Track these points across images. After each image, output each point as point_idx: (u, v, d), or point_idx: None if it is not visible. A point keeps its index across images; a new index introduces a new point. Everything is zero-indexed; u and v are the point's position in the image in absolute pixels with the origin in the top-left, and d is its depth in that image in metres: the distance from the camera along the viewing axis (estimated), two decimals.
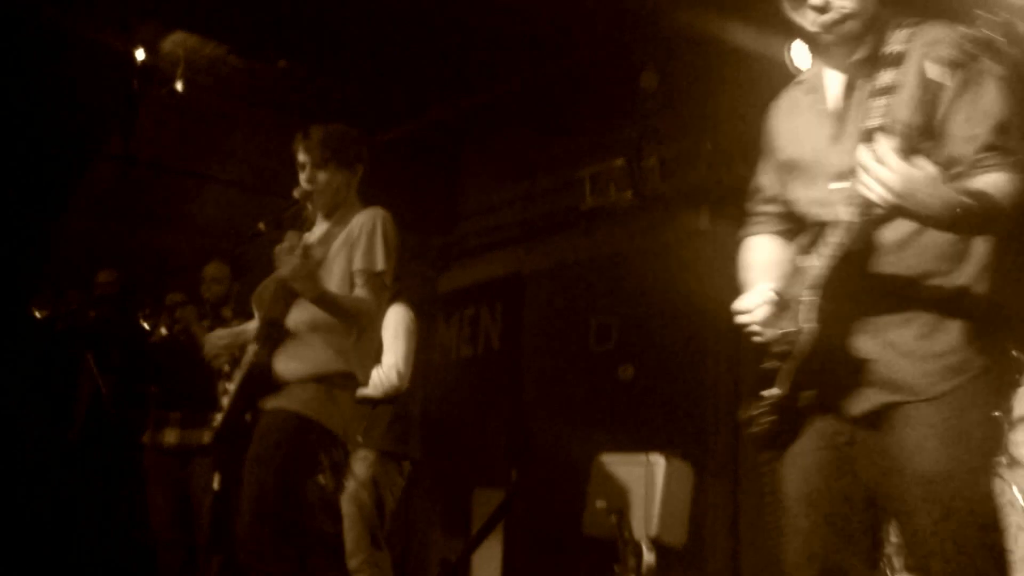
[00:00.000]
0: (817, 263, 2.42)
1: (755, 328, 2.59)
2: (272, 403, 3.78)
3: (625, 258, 8.30)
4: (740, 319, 2.63)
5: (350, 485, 5.19)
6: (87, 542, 6.33)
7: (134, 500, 5.67)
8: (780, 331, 2.50)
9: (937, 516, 2.31)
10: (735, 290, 7.72)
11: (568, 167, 8.29)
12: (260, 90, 7.74)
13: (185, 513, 5.72)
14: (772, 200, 2.84)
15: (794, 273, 2.54)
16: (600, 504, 6.59)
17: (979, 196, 2.23)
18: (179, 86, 7.11)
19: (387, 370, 5.24)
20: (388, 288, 4.02)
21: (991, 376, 2.40)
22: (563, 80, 7.64)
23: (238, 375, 3.94)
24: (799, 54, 6.38)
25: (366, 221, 3.91)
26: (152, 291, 5.60)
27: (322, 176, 3.96)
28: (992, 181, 2.29)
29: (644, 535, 6.45)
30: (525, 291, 9.09)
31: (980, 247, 2.43)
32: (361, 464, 5.22)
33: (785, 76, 6.32)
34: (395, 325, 5.37)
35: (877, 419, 2.42)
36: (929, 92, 2.33)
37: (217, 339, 4.15)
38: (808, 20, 2.52)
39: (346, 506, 5.18)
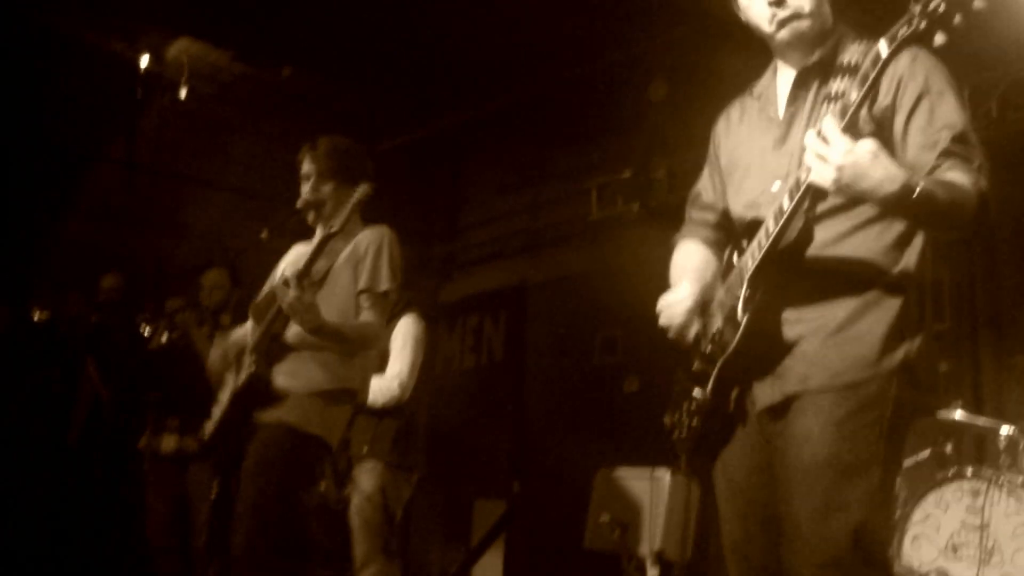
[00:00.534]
0: (750, 258, 2.41)
1: (672, 327, 2.61)
2: (270, 416, 3.78)
3: (631, 270, 8.23)
4: (660, 320, 2.65)
5: (358, 497, 5.18)
6: (85, 546, 6.35)
7: (132, 505, 5.65)
8: (710, 332, 2.51)
9: (811, 513, 2.28)
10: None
11: (575, 178, 8.31)
12: (263, 98, 7.81)
13: (182, 519, 5.70)
14: (708, 207, 2.84)
15: (728, 274, 2.53)
16: (603, 518, 6.53)
17: (935, 182, 2.22)
18: (182, 93, 7.22)
19: (389, 380, 5.23)
20: (394, 305, 4.03)
21: (903, 378, 2.35)
22: (570, 91, 7.67)
23: (232, 385, 3.94)
24: None
25: (372, 240, 3.93)
26: (153, 297, 5.62)
27: (326, 188, 3.98)
28: (954, 176, 2.27)
29: (648, 550, 6.40)
30: (529, 302, 9.10)
31: (911, 254, 2.41)
32: (369, 475, 5.20)
33: None
34: (404, 335, 5.35)
35: (782, 411, 2.39)
36: (883, 101, 2.35)
37: (219, 360, 4.14)
38: (764, 17, 2.53)
39: (355, 518, 5.17)
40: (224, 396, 3.96)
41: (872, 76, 2.17)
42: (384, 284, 3.87)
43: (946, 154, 2.31)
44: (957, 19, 2.04)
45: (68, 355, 6.01)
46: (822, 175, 2.16)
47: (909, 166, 2.29)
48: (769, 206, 2.41)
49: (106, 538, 6.21)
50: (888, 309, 2.36)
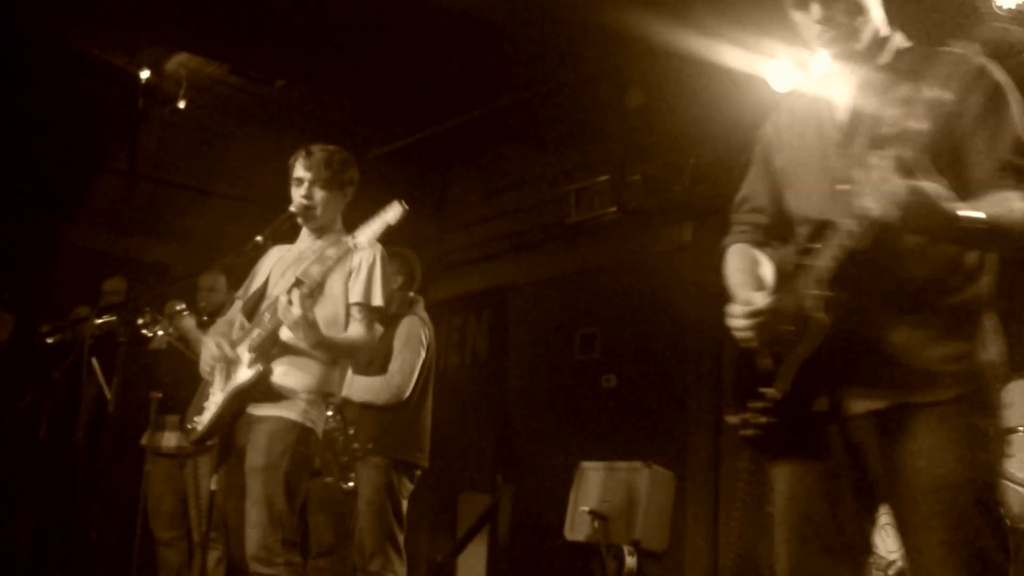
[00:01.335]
0: (824, 259, 2.35)
1: (747, 333, 2.52)
2: (268, 411, 3.90)
3: (609, 271, 8.42)
4: (732, 324, 2.55)
5: (366, 491, 5.28)
6: (90, 540, 6.45)
7: (135, 500, 5.71)
8: (780, 330, 2.45)
9: (944, 522, 2.28)
10: (716, 302, 7.82)
11: (554, 183, 8.43)
12: (258, 109, 7.90)
13: (183, 513, 5.87)
14: (758, 210, 2.81)
15: (795, 273, 2.48)
16: (583, 509, 6.71)
17: (992, 214, 2.22)
18: (181, 105, 7.27)
19: (389, 377, 5.34)
20: (383, 318, 4.18)
21: (996, 385, 2.38)
22: (549, 98, 7.75)
23: (224, 380, 4.01)
24: (777, 74, 6.58)
25: (366, 256, 4.03)
26: (153, 301, 5.68)
27: (320, 194, 4.08)
28: (1006, 198, 2.27)
29: (626, 540, 6.57)
30: (511, 302, 9.22)
31: (992, 260, 2.43)
32: (375, 470, 5.29)
33: (765, 95, 6.59)
34: (406, 336, 5.47)
35: (888, 420, 2.36)
36: (940, 111, 2.25)
37: (210, 358, 4.17)
38: (813, 35, 2.55)
39: (364, 512, 5.27)
40: (216, 390, 4.02)
41: (940, 116, 2.21)
42: (377, 300, 4.00)
43: (1004, 168, 2.32)
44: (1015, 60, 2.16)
45: (73, 357, 6.07)
46: (877, 208, 2.16)
47: (971, 178, 2.33)
48: (836, 208, 2.37)
49: (110, 531, 6.33)
50: (975, 315, 2.39)
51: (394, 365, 5.36)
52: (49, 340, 5.41)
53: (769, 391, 2.42)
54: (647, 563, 6.63)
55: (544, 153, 8.73)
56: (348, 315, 4.02)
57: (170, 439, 5.87)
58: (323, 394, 3.99)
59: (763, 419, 2.44)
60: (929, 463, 2.29)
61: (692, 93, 7.39)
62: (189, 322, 5.63)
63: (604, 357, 8.33)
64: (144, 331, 5.64)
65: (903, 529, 2.36)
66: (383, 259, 4.08)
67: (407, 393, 5.38)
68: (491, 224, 9.23)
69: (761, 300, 2.50)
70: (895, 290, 2.38)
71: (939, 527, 2.28)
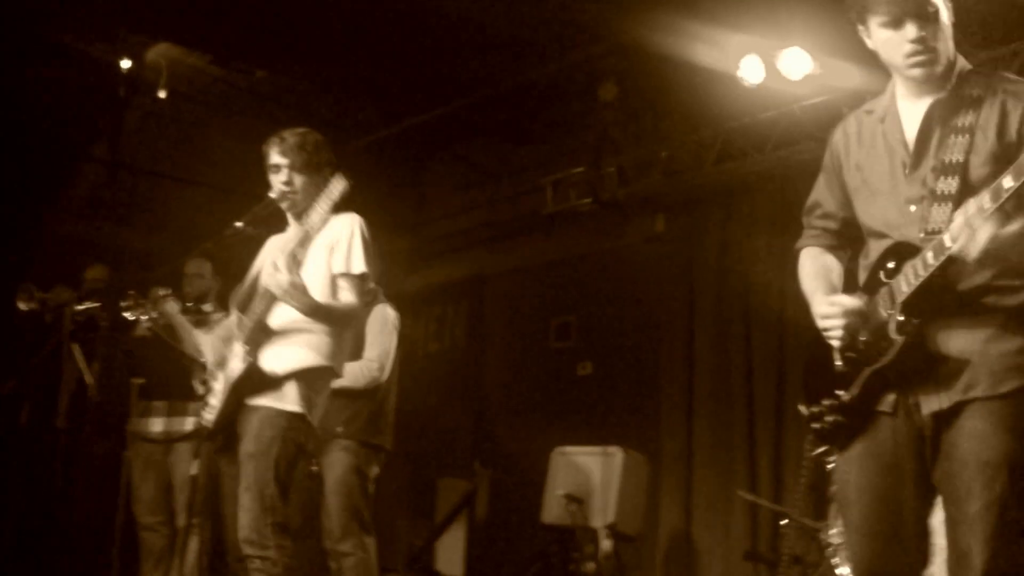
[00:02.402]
0: (904, 284, 2.53)
1: (836, 333, 2.68)
2: (260, 400, 3.93)
3: (584, 260, 8.51)
4: (823, 323, 2.71)
5: (334, 474, 5.31)
6: (71, 526, 6.47)
7: (116, 486, 5.74)
8: (856, 339, 2.63)
9: (988, 501, 2.43)
10: (688, 291, 7.95)
11: (530, 174, 8.49)
12: (238, 99, 7.90)
13: (167, 498, 5.89)
14: (830, 216, 2.93)
15: (872, 286, 2.65)
16: (558, 493, 6.78)
17: None
18: (162, 94, 7.25)
19: (368, 363, 5.34)
20: (370, 288, 4.17)
21: None
22: (526, 91, 7.80)
23: (226, 374, 4.05)
24: (750, 69, 6.71)
25: (344, 226, 4.06)
26: (136, 287, 5.68)
27: (299, 179, 4.10)
28: None
29: (601, 524, 6.66)
30: (488, 291, 9.29)
31: None
32: (344, 454, 5.32)
33: (737, 90, 6.71)
34: (380, 322, 5.48)
35: (950, 416, 2.52)
36: (1009, 135, 2.46)
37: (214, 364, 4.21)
38: (900, 54, 2.61)
39: (333, 495, 5.29)
40: (218, 385, 4.08)
41: (999, 141, 2.45)
42: (359, 267, 4.01)
43: None
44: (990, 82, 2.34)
45: (54, 343, 6.06)
46: (968, 251, 2.35)
47: None
48: (902, 227, 2.59)
49: (92, 517, 6.34)
50: None
51: (372, 351, 5.39)
52: (22, 307, 5.37)
53: (842, 394, 2.63)
54: (622, 546, 6.73)
55: (520, 145, 8.80)
56: (335, 287, 4.03)
57: (156, 424, 5.88)
58: (315, 372, 3.99)
59: (833, 417, 2.66)
60: (978, 445, 2.47)
61: (665, 87, 7.49)
62: (174, 307, 5.59)
63: (579, 345, 8.42)
64: (127, 316, 5.61)
65: (948, 503, 2.54)
66: (362, 227, 4.09)
67: (386, 377, 5.43)
68: (468, 215, 9.28)
69: (851, 303, 2.66)
70: (958, 301, 2.54)
71: (978, 499, 2.45)
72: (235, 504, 3.91)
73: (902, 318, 2.53)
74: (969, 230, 2.34)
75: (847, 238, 2.92)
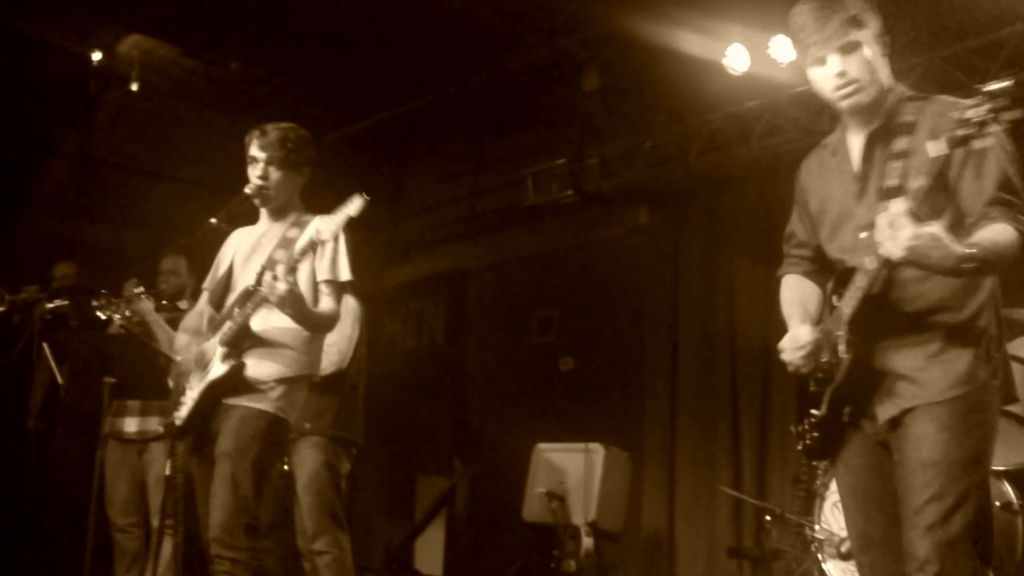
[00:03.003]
0: (847, 305, 2.76)
1: (792, 366, 2.93)
2: (240, 400, 3.89)
3: (566, 254, 8.48)
4: (783, 357, 2.95)
5: (305, 471, 5.30)
6: (44, 528, 6.41)
7: (89, 486, 5.73)
8: (819, 362, 2.86)
9: (928, 497, 2.64)
10: (672, 284, 7.92)
11: (511, 166, 8.45)
12: (213, 91, 7.82)
13: (141, 499, 5.77)
14: (803, 245, 3.15)
15: (829, 311, 2.89)
16: (540, 491, 6.78)
17: (983, 246, 2.56)
18: (134, 87, 7.18)
19: (327, 348, 5.10)
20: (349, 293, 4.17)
21: (992, 388, 2.75)
22: (507, 82, 7.78)
23: (201, 373, 4.01)
24: (736, 57, 6.64)
25: (327, 231, 3.90)
26: (108, 285, 5.61)
27: (275, 174, 4.03)
28: (997, 230, 2.60)
29: (583, 521, 6.67)
30: (469, 285, 9.28)
31: (986, 284, 2.77)
32: (314, 450, 5.31)
33: (722, 79, 6.67)
34: (342, 309, 5.48)
35: (899, 422, 2.75)
36: (935, 163, 2.62)
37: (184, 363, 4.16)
38: (829, 88, 2.84)
39: (305, 492, 5.28)
40: (194, 383, 4.03)
41: (934, 172, 2.57)
42: (344, 274, 3.98)
43: (992, 202, 2.64)
44: (994, 128, 2.46)
45: (24, 342, 5.99)
46: (892, 252, 2.53)
47: (962, 211, 2.68)
48: (855, 252, 2.79)
49: (64, 518, 6.29)
50: (973, 334, 2.73)
51: (332, 336, 5.32)
52: None
53: (815, 412, 2.90)
54: (603, 543, 6.73)
55: (501, 136, 8.75)
56: (317, 292, 4.00)
57: (131, 424, 5.79)
58: (294, 380, 3.98)
59: (813, 434, 2.92)
60: (920, 446, 2.70)
61: (649, 76, 7.45)
62: (147, 305, 5.49)
63: (561, 340, 8.41)
64: (100, 314, 5.52)
65: (900, 506, 2.74)
66: (344, 232, 4.01)
67: (347, 362, 5.39)
68: (448, 208, 9.24)
69: (806, 337, 2.90)
70: (906, 319, 2.77)
71: (919, 497, 2.67)
72: (206, 504, 3.87)
73: (848, 336, 2.77)
74: (890, 231, 2.51)
75: (823, 264, 3.10)
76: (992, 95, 2.47)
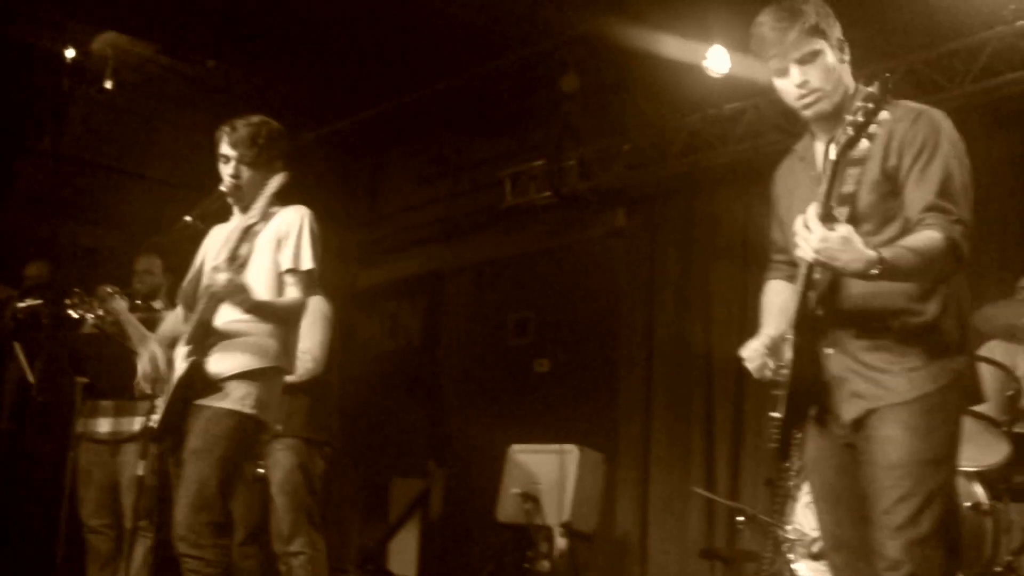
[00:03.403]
0: (792, 308, 2.82)
1: (755, 373, 2.95)
2: (207, 400, 3.84)
3: (543, 256, 8.48)
4: (745, 364, 2.98)
5: (279, 473, 5.28)
6: (14, 529, 6.36)
7: (61, 487, 5.63)
8: (779, 365, 2.90)
9: (896, 498, 2.66)
10: (649, 287, 7.95)
11: (489, 167, 8.45)
12: (188, 89, 7.79)
13: (114, 500, 5.73)
14: (782, 250, 3.18)
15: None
16: (515, 492, 6.79)
17: (896, 252, 2.60)
18: (108, 85, 7.13)
19: (302, 355, 5.18)
20: (316, 284, 4.07)
21: (956, 388, 2.77)
22: (485, 83, 7.80)
23: (172, 375, 3.96)
24: (717, 59, 6.65)
25: (293, 220, 3.97)
26: (82, 284, 5.58)
27: (246, 172, 3.99)
28: (923, 237, 2.64)
29: (557, 522, 6.67)
30: (445, 287, 9.24)
31: (944, 287, 2.78)
32: (287, 452, 5.30)
33: (701, 81, 6.68)
34: (312, 314, 5.35)
35: (863, 423, 2.77)
36: (890, 163, 2.71)
37: (152, 366, 4.10)
38: (792, 98, 2.88)
39: (279, 494, 5.27)
40: (168, 386, 3.99)
41: (832, 171, 2.62)
42: (308, 263, 3.92)
43: (928, 208, 2.68)
44: (872, 127, 2.53)
45: None
46: (804, 255, 2.60)
47: (908, 216, 2.72)
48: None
49: (36, 519, 6.26)
50: (935, 335, 2.75)
51: (306, 343, 5.26)
52: None
53: (775, 415, 2.90)
54: (577, 544, 6.74)
55: (479, 137, 8.75)
56: (282, 283, 3.95)
57: (104, 425, 5.75)
58: (264, 373, 3.90)
59: (778, 435, 2.92)
60: (886, 448, 2.72)
61: (628, 78, 7.47)
62: (121, 304, 5.41)
63: (537, 341, 8.40)
64: (73, 314, 5.49)
65: (869, 509, 2.76)
66: (310, 221, 4.01)
67: (321, 369, 5.39)
68: (425, 209, 9.23)
69: (755, 344, 2.95)
70: (864, 321, 2.79)
71: (887, 498, 2.69)
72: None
73: (790, 338, 2.81)
74: (803, 233, 2.58)
75: None
76: (868, 96, 2.54)
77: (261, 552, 5.46)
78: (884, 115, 2.71)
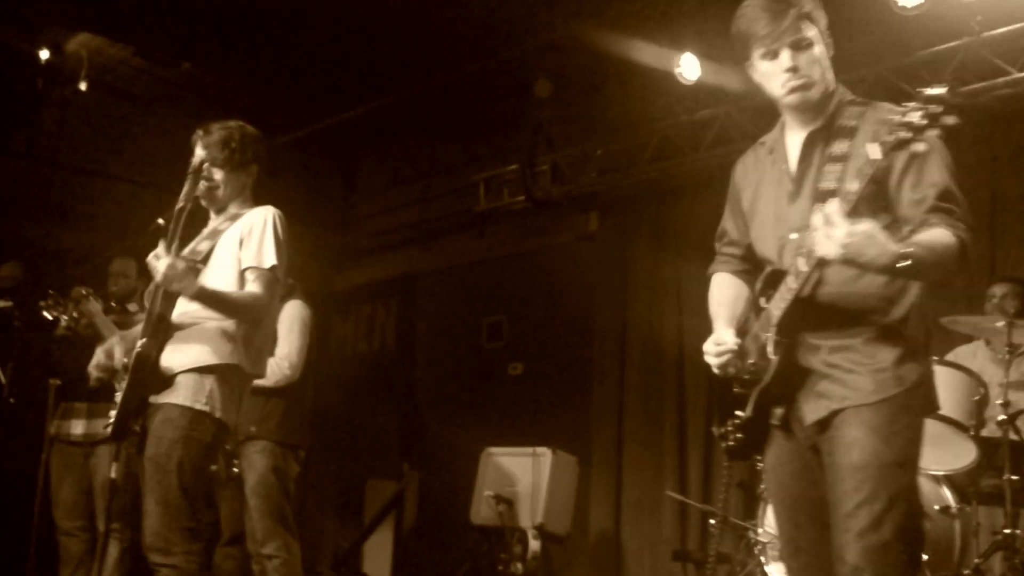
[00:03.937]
0: (776, 307, 2.75)
1: (717, 367, 2.93)
2: (162, 398, 3.74)
3: (517, 259, 8.51)
4: (707, 359, 2.96)
5: (253, 475, 5.25)
6: None
7: (34, 489, 5.62)
8: (746, 364, 2.86)
9: (859, 501, 2.62)
10: (621, 291, 7.99)
11: (463, 171, 8.47)
12: (163, 91, 7.78)
13: (87, 502, 5.72)
14: (734, 243, 3.14)
15: (757, 312, 2.88)
16: (489, 494, 6.81)
17: (920, 246, 2.54)
18: (83, 86, 7.11)
19: (279, 361, 5.29)
20: (281, 282, 3.99)
21: (919, 392, 2.74)
22: (459, 87, 7.79)
23: (128, 371, 3.82)
24: (688, 66, 6.70)
25: (256, 219, 3.90)
26: (55, 285, 5.55)
27: (219, 175, 3.95)
28: (936, 234, 2.59)
29: (530, 524, 6.69)
30: (419, 290, 9.25)
31: (913, 289, 2.76)
32: (260, 455, 5.27)
33: (673, 87, 6.74)
34: (290, 319, 5.41)
35: (827, 424, 2.73)
36: (871, 168, 2.56)
37: (106, 356, 4.00)
38: (778, 83, 2.81)
39: (252, 496, 5.24)
40: (124, 383, 3.85)
41: (869, 174, 2.52)
42: (269, 260, 3.83)
43: (932, 210, 2.64)
44: (933, 132, 2.43)
45: None
46: (828, 251, 2.50)
47: (901, 218, 2.67)
48: (788, 253, 2.79)
49: (8, 521, 6.20)
50: (900, 338, 2.73)
51: (283, 348, 5.33)
52: None
53: (740, 414, 2.89)
54: (551, 546, 6.76)
55: (452, 142, 8.77)
56: (243, 282, 3.86)
57: (77, 427, 5.73)
58: (219, 370, 3.78)
59: (737, 435, 2.91)
60: (850, 451, 2.68)
61: (601, 84, 7.51)
62: (95, 306, 5.39)
63: (511, 345, 8.43)
64: (46, 315, 5.45)
65: (831, 511, 2.72)
66: (276, 220, 3.92)
67: (298, 374, 5.38)
68: (399, 212, 9.25)
69: (730, 340, 2.91)
70: (831, 322, 2.76)
71: (850, 501, 2.65)
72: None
73: (776, 338, 2.76)
74: (826, 229, 2.49)
75: (754, 263, 3.08)
76: (930, 99, 2.44)
77: (241, 553, 5.45)
78: (867, 114, 2.74)
